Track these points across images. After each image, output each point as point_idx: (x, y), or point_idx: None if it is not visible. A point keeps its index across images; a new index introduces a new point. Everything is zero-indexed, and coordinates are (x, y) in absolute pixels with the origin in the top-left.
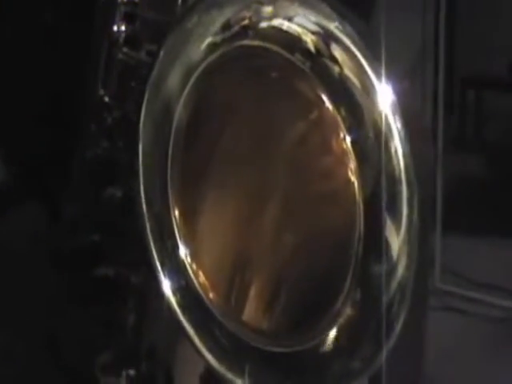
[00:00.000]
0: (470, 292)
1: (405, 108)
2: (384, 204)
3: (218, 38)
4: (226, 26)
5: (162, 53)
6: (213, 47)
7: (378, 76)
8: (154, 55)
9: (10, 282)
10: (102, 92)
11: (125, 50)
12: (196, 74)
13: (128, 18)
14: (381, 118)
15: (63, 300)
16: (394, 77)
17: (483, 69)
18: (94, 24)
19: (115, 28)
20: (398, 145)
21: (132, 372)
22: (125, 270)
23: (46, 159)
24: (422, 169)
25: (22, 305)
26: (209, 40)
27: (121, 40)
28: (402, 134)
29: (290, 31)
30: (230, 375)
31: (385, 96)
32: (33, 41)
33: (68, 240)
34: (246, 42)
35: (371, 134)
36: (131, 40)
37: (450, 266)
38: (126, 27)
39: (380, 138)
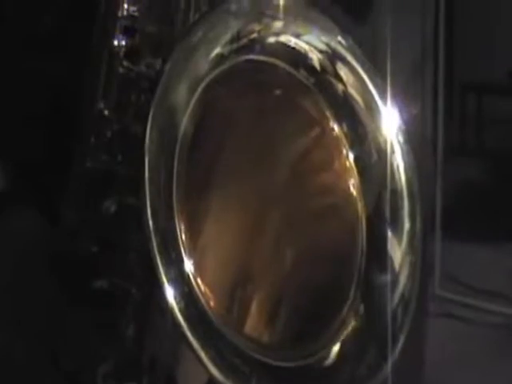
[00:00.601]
0: (469, 299)
1: (411, 133)
2: (386, 218)
3: (226, 50)
4: (235, 38)
5: (167, 68)
6: (220, 59)
7: (383, 98)
8: (158, 70)
9: (8, 288)
10: (101, 105)
11: (125, 63)
12: (202, 86)
13: (128, 32)
14: (383, 136)
15: (63, 309)
16: (400, 101)
17: (483, 74)
18: (93, 37)
19: (115, 42)
20: (399, 160)
21: None
22: (125, 281)
23: (45, 167)
24: (424, 182)
25: (19, 313)
26: (217, 51)
27: (121, 54)
28: (405, 149)
29: (297, 48)
30: None
31: (390, 120)
32: (31, 52)
33: (67, 249)
34: (252, 56)
35: (374, 151)
36: (131, 53)
37: (449, 273)
38: (125, 41)
39: (382, 156)
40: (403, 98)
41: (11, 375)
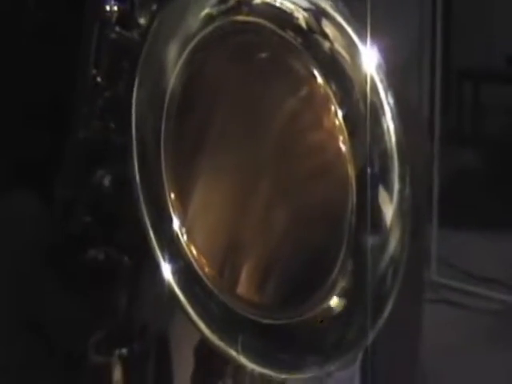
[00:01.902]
0: (466, 285)
1: (391, 68)
2: (375, 173)
3: (215, 10)
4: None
5: (155, 25)
6: (209, 19)
7: (363, 40)
8: (146, 27)
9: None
10: (93, 72)
11: (117, 29)
12: (191, 46)
13: None
14: (371, 90)
15: (54, 282)
16: (379, 40)
17: (480, 61)
18: (85, 3)
19: (107, 7)
20: (389, 121)
21: (124, 351)
22: (116, 251)
23: (36, 142)
24: (415, 151)
25: (11, 287)
26: (206, 11)
27: (113, 19)
28: (394, 110)
29: (283, 8)
30: (223, 345)
31: (370, 58)
32: (22, 23)
33: (60, 223)
34: (240, 17)
35: (362, 109)
36: (123, 19)
37: (446, 259)
38: (117, 6)
39: (371, 114)
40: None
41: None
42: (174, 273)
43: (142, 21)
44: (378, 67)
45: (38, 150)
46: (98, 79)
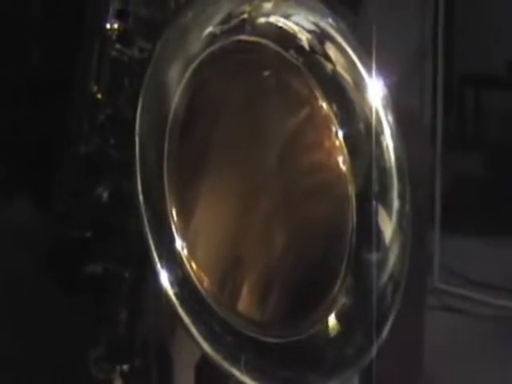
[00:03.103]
0: (468, 291)
1: (396, 101)
2: (375, 193)
3: (218, 30)
4: (226, 19)
5: (158, 47)
6: (211, 39)
7: (369, 71)
8: (149, 51)
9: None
10: (94, 88)
11: (117, 46)
12: (193, 66)
13: (120, 15)
14: (372, 112)
15: (55, 295)
16: (384, 71)
17: (482, 67)
18: (86, 20)
19: (108, 25)
20: (389, 139)
21: (125, 367)
22: (117, 264)
23: (36, 153)
24: (417, 163)
25: (9, 300)
26: (209, 30)
27: (113, 37)
28: (394, 128)
29: (286, 28)
30: (226, 364)
31: (375, 90)
32: (24, 36)
33: (58, 234)
34: (243, 36)
35: (363, 129)
36: (124, 37)
37: (448, 266)
38: (118, 24)
39: (371, 134)
40: (389, 71)
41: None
42: (174, 287)
43: (141, 40)
44: (383, 99)
45: (38, 158)
46: (99, 96)
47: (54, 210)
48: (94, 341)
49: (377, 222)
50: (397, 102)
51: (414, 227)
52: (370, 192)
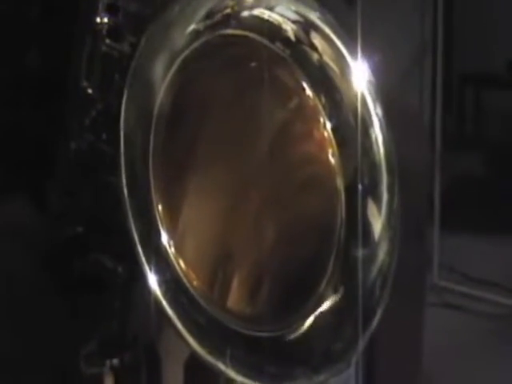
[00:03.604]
0: (467, 288)
1: (382, 84)
2: (364, 186)
3: (201, 26)
4: (210, 14)
5: (143, 41)
6: (196, 34)
7: (354, 55)
8: (135, 45)
9: None
10: (85, 84)
11: (108, 41)
12: (178, 61)
13: (111, 10)
14: (360, 102)
15: (47, 291)
16: (369, 54)
17: (482, 66)
18: (76, 15)
19: (98, 20)
20: (378, 132)
21: (116, 362)
22: (110, 260)
23: (30, 151)
24: (416, 162)
25: (5, 298)
26: (192, 27)
27: (104, 32)
28: (383, 121)
29: (271, 20)
30: (211, 358)
31: (361, 76)
32: (15, 32)
33: (53, 231)
34: (228, 30)
35: (351, 120)
36: (114, 32)
37: (447, 263)
38: (108, 19)
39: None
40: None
41: None
42: (161, 285)
43: (131, 35)
44: (369, 82)
45: (31, 157)
46: (90, 91)
47: (48, 207)
48: (86, 336)
49: (366, 216)
50: (384, 90)
51: (413, 225)
52: (360, 185)
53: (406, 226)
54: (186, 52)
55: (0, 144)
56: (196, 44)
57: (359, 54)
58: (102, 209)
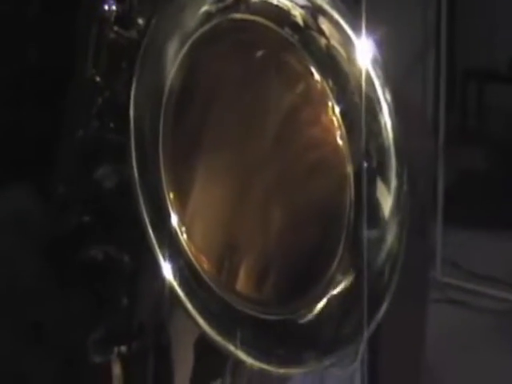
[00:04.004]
0: (470, 284)
1: (389, 62)
2: (373, 168)
3: (213, 8)
4: None
5: (154, 23)
6: (207, 16)
7: (358, 32)
8: (145, 25)
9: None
10: (92, 71)
11: (116, 28)
12: (189, 44)
13: None
14: (368, 86)
15: (53, 280)
16: (376, 34)
17: (485, 62)
18: (83, 2)
19: (106, 7)
20: (387, 117)
21: (123, 349)
22: (116, 249)
23: (34, 139)
24: (419, 156)
25: (9, 286)
26: (205, 8)
27: (111, 19)
28: (392, 107)
29: (280, 5)
30: (221, 340)
31: (366, 52)
32: (22, 19)
33: (58, 221)
34: (237, 15)
35: (359, 104)
36: (122, 19)
37: (451, 259)
38: (116, 6)
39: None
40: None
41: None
42: (174, 270)
43: (140, 21)
44: (374, 62)
45: (35, 146)
46: (97, 79)
47: (53, 196)
48: (93, 324)
49: (375, 197)
50: (393, 68)
51: (416, 220)
52: (369, 168)
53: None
54: (197, 34)
55: (5, 133)
56: (207, 26)
57: (364, 35)
58: (107, 198)
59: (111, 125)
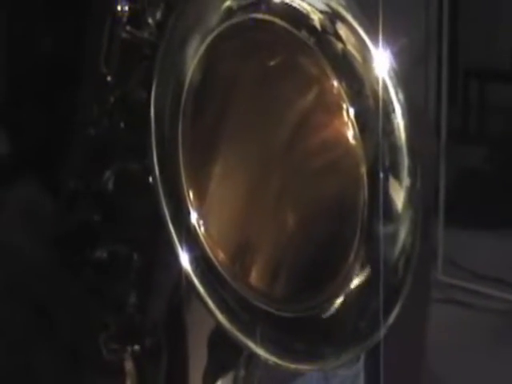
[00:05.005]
0: (472, 284)
1: (403, 69)
2: (385, 166)
3: (235, 4)
4: None
5: (174, 18)
6: (229, 13)
7: (376, 43)
8: (163, 22)
9: (6, 259)
10: (104, 70)
11: (128, 28)
12: (209, 40)
13: None
14: (381, 88)
15: (64, 277)
16: (389, 40)
17: (486, 60)
18: (95, 2)
19: (118, 7)
20: (399, 118)
21: (136, 347)
22: (125, 246)
23: (45, 135)
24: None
25: (18, 283)
26: (227, 4)
27: (124, 19)
28: (405, 107)
29: (300, 8)
30: (240, 336)
31: (382, 61)
32: (34, 17)
33: (68, 218)
34: (258, 14)
35: (373, 106)
36: (135, 19)
37: (452, 259)
38: (129, 6)
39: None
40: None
41: (8, 344)
42: (192, 263)
43: (150, 20)
44: (390, 69)
45: (46, 141)
46: (109, 78)
47: (62, 193)
48: (105, 322)
49: (389, 193)
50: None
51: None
52: (382, 166)
53: None
54: (218, 30)
55: (15, 128)
56: (227, 24)
57: (381, 43)
58: (116, 195)
59: (122, 124)
